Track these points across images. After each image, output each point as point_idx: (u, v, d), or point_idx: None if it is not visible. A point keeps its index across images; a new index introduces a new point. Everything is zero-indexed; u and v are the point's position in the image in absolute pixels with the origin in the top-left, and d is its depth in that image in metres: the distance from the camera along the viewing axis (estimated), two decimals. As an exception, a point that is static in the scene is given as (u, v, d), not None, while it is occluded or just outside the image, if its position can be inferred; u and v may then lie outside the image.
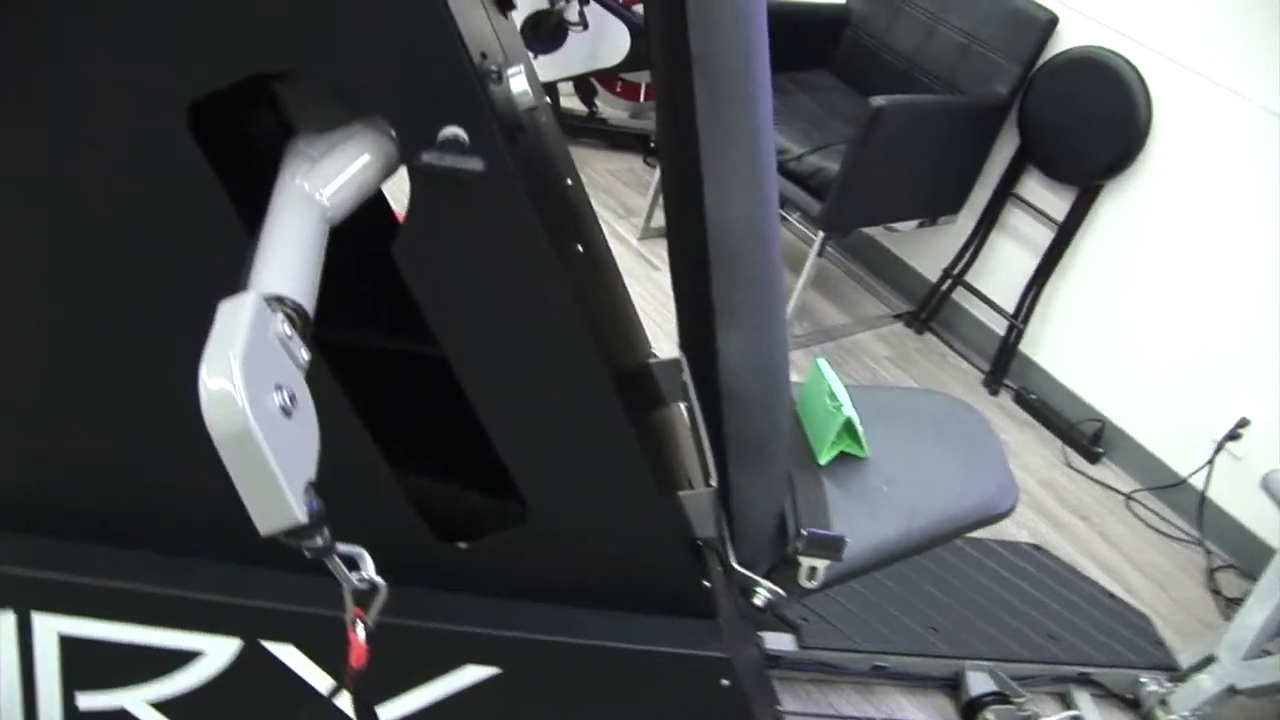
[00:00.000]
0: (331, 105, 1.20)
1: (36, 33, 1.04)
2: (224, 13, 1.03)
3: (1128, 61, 3.01)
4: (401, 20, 1.03)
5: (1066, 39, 3.14)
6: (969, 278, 3.47)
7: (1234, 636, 2.23)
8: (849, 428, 1.64)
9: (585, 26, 3.49)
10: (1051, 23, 3.14)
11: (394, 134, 1.13)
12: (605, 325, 1.41)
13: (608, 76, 3.83)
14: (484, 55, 1.14)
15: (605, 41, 3.59)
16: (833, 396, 1.65)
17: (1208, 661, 2.24)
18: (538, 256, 1.15)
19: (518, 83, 1.14)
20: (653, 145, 3.92)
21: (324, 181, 1.10)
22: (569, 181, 1.55)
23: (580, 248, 1.36)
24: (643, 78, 3.84)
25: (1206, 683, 2.22)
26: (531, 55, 3.32)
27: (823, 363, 1.71)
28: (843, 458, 1.67)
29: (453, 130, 1.07)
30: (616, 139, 3.98)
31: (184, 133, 1.08)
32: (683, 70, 1.14)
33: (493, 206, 1.12)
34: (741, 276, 1.23)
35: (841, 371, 3.01)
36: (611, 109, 4.05)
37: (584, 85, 3.88)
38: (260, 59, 1.08)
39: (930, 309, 3.54)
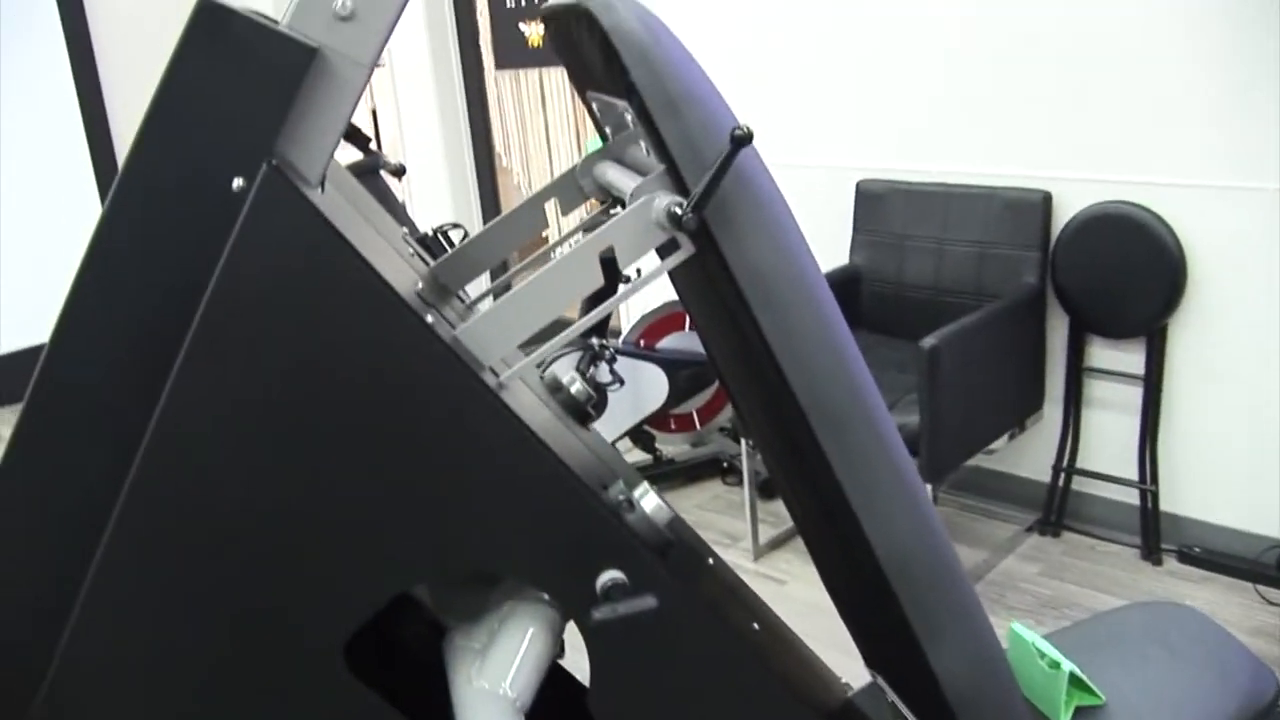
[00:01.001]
0: (473, 591, 1.20)
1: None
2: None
3: (1132, 204, 3.07)
4: (526, 491, 1.04)
5: (1067, 207, 3.20)
6: (1080, 463, 3.40)
7: None
8: (1075, 681, 1.56)
9: (621, 383, 3.56)
10: (1047, 199, 3.21)
11: (550, 598, 1.12)
12: (801, 680, 1.36)
13: (658, 419, 3.88)
14: (605, 486, 1.14)
15: (643, 388, 3.66)
16: (1043, 655, 1.58)
17: None
18: (735, 658, 1.12)
19: (649, 501, 1.14)
20: (726, 465, 3.94)
21: (501, 674, 1.09)
22: (710, 561, 1.54)
23: (755, 625, 1.32)
24: (691, 406, 3.90)
25: None
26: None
27: (1017, 626, 1.64)
28: (1080, 711, 1.58)
29: (610, 575, 1.06)
30: (690, 473, 4.00)
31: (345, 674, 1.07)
32: (796, 421, 1.14)
33: (677, 630, 1.09)
34: (933, 595, 1.19)
35: (1005, 609, 2.92)
36: (673, 446, 4.09)
37: (640, 436, 3.92)
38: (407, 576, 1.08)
39: (1057, 509, 3.45)
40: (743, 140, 1.03)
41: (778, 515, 3.53)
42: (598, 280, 1.09)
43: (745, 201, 1.09)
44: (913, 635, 1.21)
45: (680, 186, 1.09)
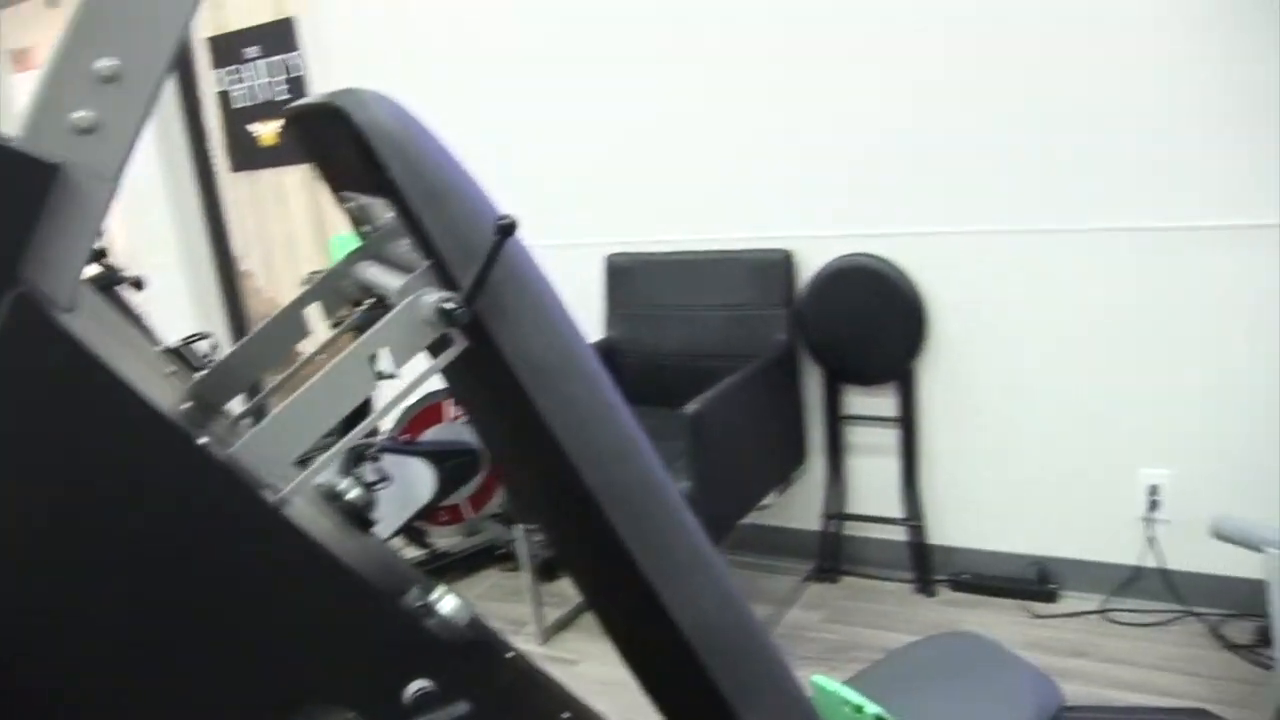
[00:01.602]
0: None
1: None
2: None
3: (869, 256, 3.24)
4: (321, 609, 1.00)
5: (809, 264, 3.34)
6: (849, 508, 3.52)
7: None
8: (881, 722, 1.60)
9: (389, 480, 3.49)
10: (788, 257, 3.33)
11: (358, 717, 1.08)
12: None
13: (429, 513, 3.81)
14: (401, 593, 1.11)
15: (411, 484, 3.59)
16: (847, 702, 1.61)
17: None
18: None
19: (447, 603, 1.11)
20: (501, 552, 3.90)
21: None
22: (510, 655, 1.51)
23: (566, 714, 1.30)
24: (460, 496, 3.84)
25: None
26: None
27: (818, 679, 1.67)
28: (887, 754, 1.61)
29: (418, 686, 1.03)
30: (466, 564, 3.95)
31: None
32: (586, 504, 1.14)
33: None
34: (744, 664, 1.20)
35: (797, 660, 2.97)
36: (445, 539, 4.03)
37: (411, 532, 3.85)
38: None
39: (832, 555, 3.55)
40: (509, 229, 1.03)
41: (560, 596, 3.51)
42: (371, 385, 1.06)
43: (515, 290, 1.09)
44: (726, 706, 1.21)
45: (447, 281, 1.07)
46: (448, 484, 3.66)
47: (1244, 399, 2.93)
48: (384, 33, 3.91)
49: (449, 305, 1.03)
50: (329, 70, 4.20)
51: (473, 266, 1.04)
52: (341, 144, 1.11)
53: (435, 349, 1.18)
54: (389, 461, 3.56)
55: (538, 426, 1.13)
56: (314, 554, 0.99)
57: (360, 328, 1.22)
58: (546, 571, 3.55)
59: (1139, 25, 2.81)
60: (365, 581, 1.02)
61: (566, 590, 3.52)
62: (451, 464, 3.65)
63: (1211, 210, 2.84)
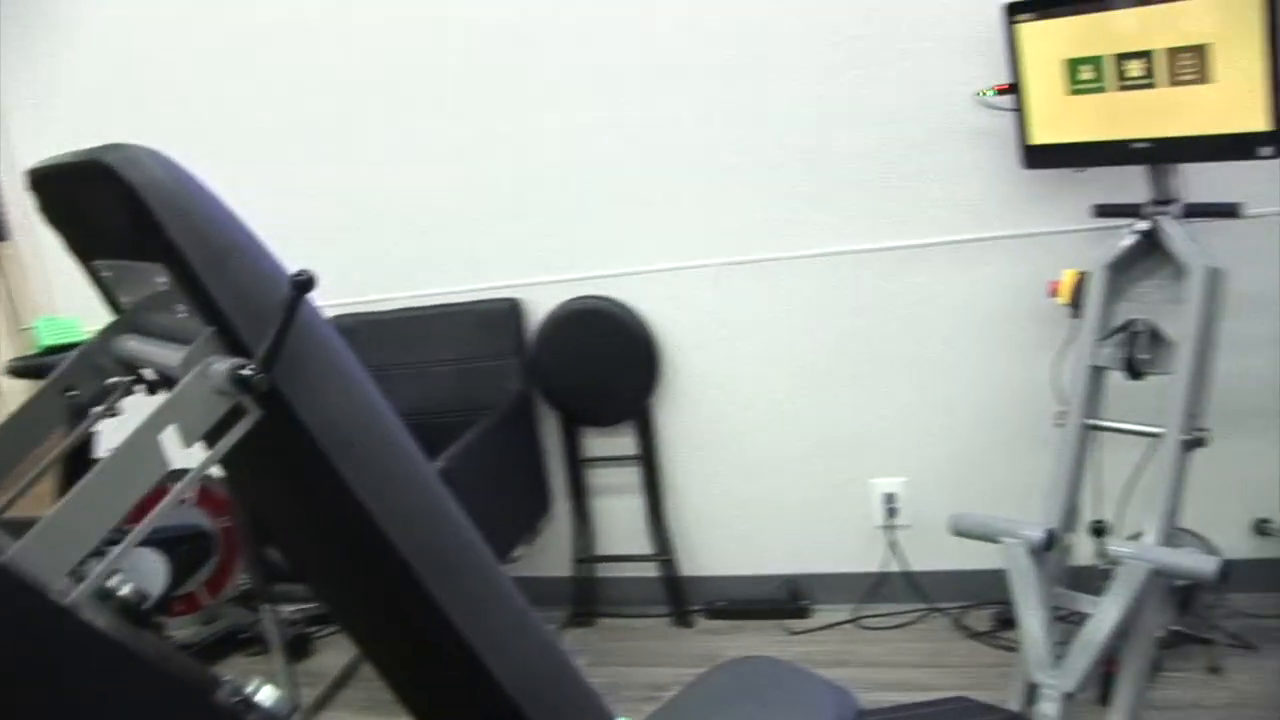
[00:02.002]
0: None
1: None
2: None
3: (598, 297, 3.27)
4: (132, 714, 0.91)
5: (537, 310, 3.34)
6: (599, 550, 3.52)
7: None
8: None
9: (117, 573, 3.24)
10: (515, 305, 3.32)
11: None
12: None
13: (164, 605, 3.56)
14: (214, 688, 1.02)
15: (142, 576, 3.34)
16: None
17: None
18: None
19: (266, 694, 1.03)
20: (245, 636, 3.69)
21: None
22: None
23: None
24: (195, 583, 3.61)
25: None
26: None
27: (624, 720, 1.65)
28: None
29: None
30: (208, 654, 3.70)
31: None
32: (396, 572, 1.09)
33: None
34: (570, 712, 1.17)
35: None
36: (183, 630, 3.78)
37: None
38: None
39: (585, 599, 3.54)
40: (306, 285, 0.97)
41: (314, 675, 3.35)
42: (163, 467, 0.98)
43: (312, 352, 1.03)
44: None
45: (235, 347, 1.00)
46: (182, 571, 3.43)
47: (967, 404, 3.12)
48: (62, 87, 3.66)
49: (246, 372, 0.96)
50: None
51: (264, 329, 0.97)
52: (102, 205, 1.02)
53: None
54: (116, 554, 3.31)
55: (341, 495, 1.07)
56: (121, 657, 0.90)
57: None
58: (297, 651, 3.38)
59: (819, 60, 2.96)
60: (178, 680, 0.94)
61: (321, 667, 3.37)
62: (184, 549, 3.43)
63: (931, 228, 3.01)
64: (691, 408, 3.33)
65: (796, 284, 3.15)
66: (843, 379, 3.19)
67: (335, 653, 3.44)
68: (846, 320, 3.14)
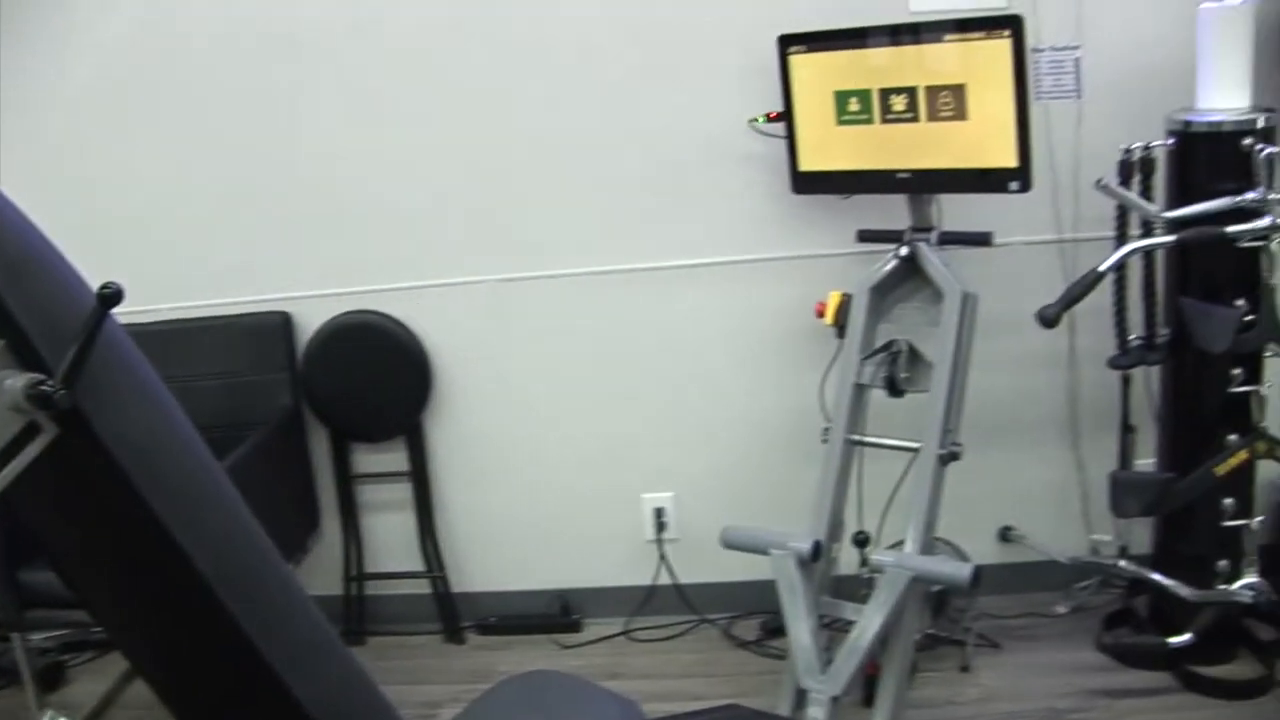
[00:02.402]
0: None
1: None
2: None
3: (370, 311, 3.24)
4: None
5: (309, 324, 3.27)
6: (369, 568, 3.46)
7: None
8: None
9: None
10: (287, 320, 3.24)
11: None
12: None
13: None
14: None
15: None
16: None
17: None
18: None
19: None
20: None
21: None
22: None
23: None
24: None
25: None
26: None
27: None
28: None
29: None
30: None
31: None
32: (195, 594, 1.06)
33: None
34: None
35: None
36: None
37: None
38: None
39: (356, 618, 3.47)
40: (112, 299, 0.94)
41: (69, 705, 3.16)
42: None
43: (115, 368, 1.00)
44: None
45: (29, 363, 0.96)
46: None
47: (737, 420, 3.22)
48: None
49: (46, 388, 0.92)
50: None
51: (63, 343, 0.94)
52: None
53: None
54: None
55: (142, 516, 1.04)
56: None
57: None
58: (50, 681, 3.20)
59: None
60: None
61: (75, 697, 3.20)
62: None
63: (704, 249, 3.10)
64: (464, 424, 3.33)
65: (571, 301, 3.19)
66: (615, 395, 3.25)
67: (92, 681, 3.26)
68: (619, 338, 3.20)
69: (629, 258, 3.13)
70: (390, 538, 3.44)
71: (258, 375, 3.25)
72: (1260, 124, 2.49)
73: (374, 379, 3.27)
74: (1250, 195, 2.47)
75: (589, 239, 3.14)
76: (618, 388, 3.24)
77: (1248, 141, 2.48)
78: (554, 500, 3.35)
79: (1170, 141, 2.63)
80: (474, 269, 3.19)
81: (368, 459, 3.40)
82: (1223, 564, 2.72)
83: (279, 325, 3.25)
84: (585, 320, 3.20)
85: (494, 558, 3.44)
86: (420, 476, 3.36)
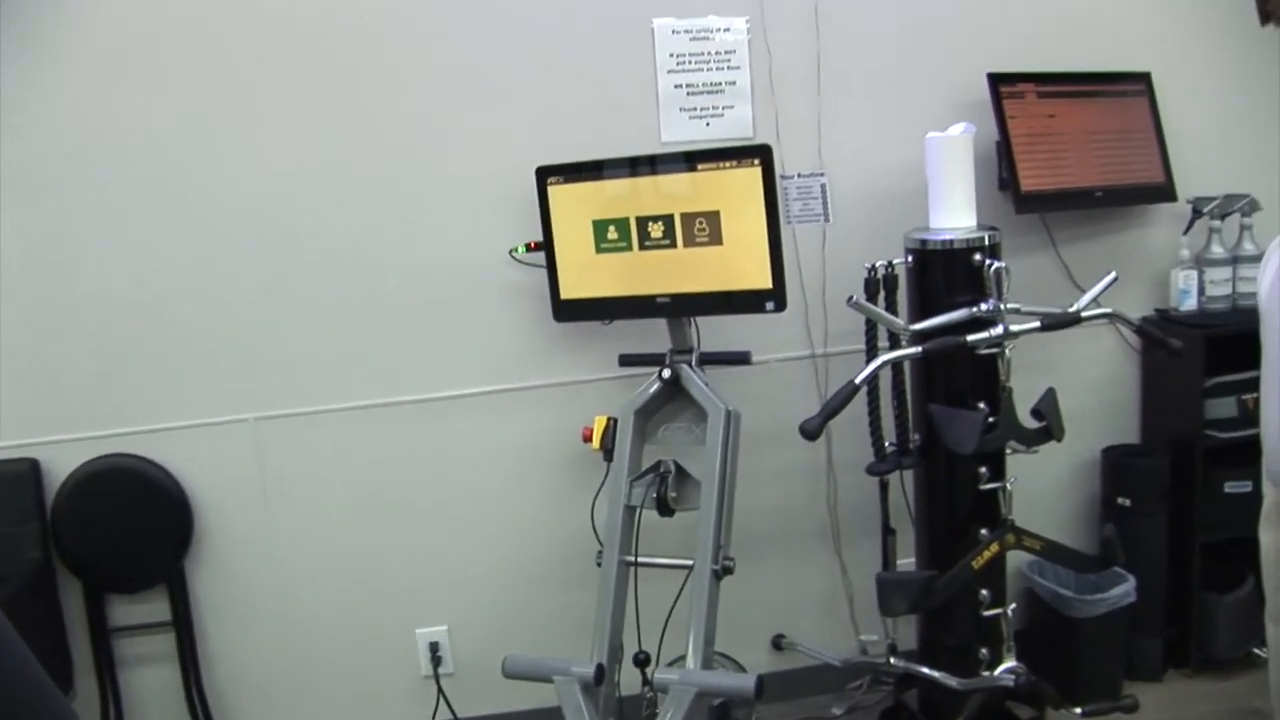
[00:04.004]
0: None
1: None
2: None
3: (126, 455, 3.12)
4: None
5: (60, 470, 3.12)
6: (127, 728, 3.29)
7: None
8: None
9: None
10: (35, 466, 3.08)
11: None
12: None
13: None
14: None
15: None
16: None
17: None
18: None
19: None
20: None
21: None
22: None
23: None
24: None
25: None
26: None
27: None
28: None
29: None
30: None
31: None
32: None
33: None
34: None
35: None
36: None
37: None
38: None
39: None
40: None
41: None
42: None
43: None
44: None
45: None
46: None
47: (510, 549, 3.23)
48: None
49: None
50: None
51: None
52: None
53: None
54: None
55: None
56: None
57: None
58: None
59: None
60: None
61: None
62: None
63: (471, 378, 3.13)
64: (229, 569, 3.21)
65: (338, 437, 3.15)
66: (385, 530, 3.21)
67: None
68: (386, 472, 3.18)
69: (394, 391, 3.13)
70: (152, 694, 3.27)
71: (5, 528, 3.08)
72: (987, 241, 2.73)
73: (130, 526, 3.13)
74: (984, 306, 2.69)
75: (353, 373, 3.12)
76: (386, 522, 3.20)
77: (978, 257, 2.71)
78: (327, 643, 3.26)
79: (909, 259, 2.82)
80: (234, 407, 3.11)
81: (126, 610, 3.23)
82: (984, 652, 2.88)
83: (27, 473, 3.09)
84: (351, 456, 3.16)
85: (267, 709, 3.31)
86: (184, 627, 3.22)
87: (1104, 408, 3.42)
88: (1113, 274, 2.82)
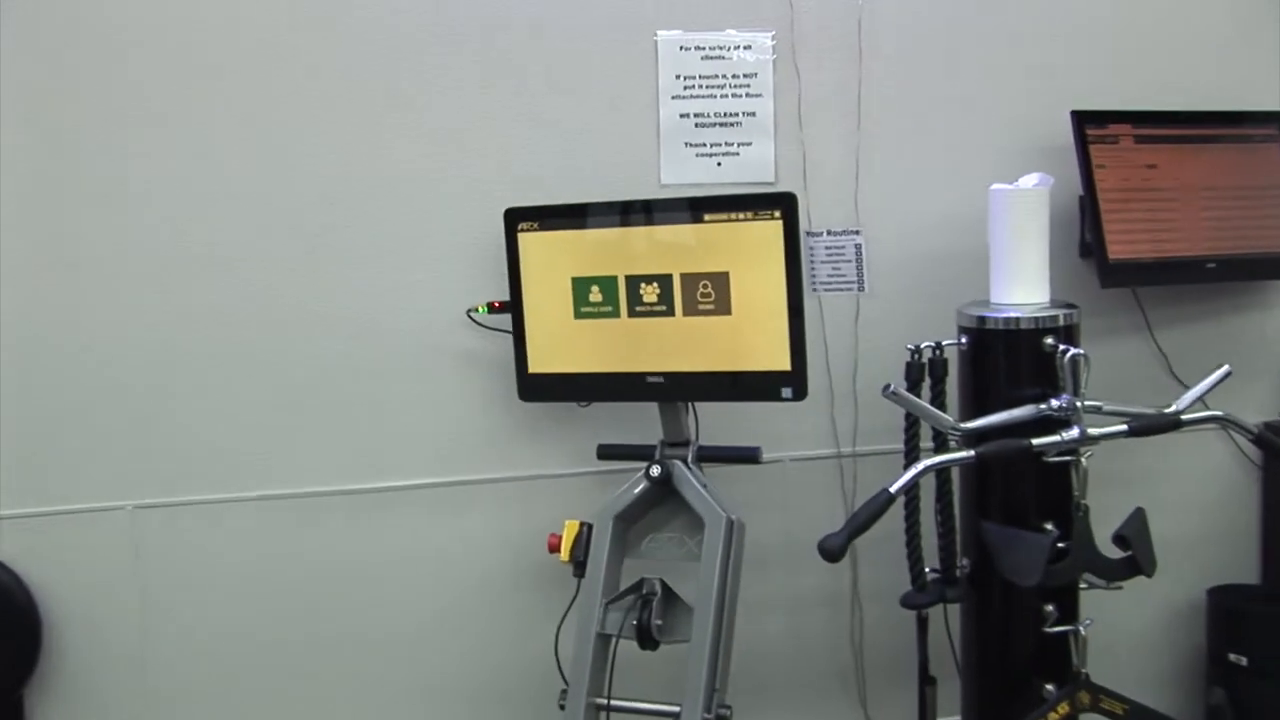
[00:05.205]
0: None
1: None
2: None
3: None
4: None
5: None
6: None
7: None
8: None
9: None
10: None
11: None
12: None
13: None
14: None
15: None
16: None
17: None
18: None
19: None
20: None
21: None
22: None
23: None
24: None
25: None
26: None
27: None
28: None
29: None
30: None
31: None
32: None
33: None
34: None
35: None
36: None
37: None
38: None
39: None
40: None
41: None
42: None
43: None
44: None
45: None
46: None
47: (455, 684, 2.89)
48: None
49: None
50: None
51: None
52: None
53: None
54: None
55: None
56: None
57: None
58: None
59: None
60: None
61: None
62: None
63: (412, 468, 2.81)
64: (87, 701, 2.78)
65: (242, 534, 2.76)
66: (297, 659, 2.81)
67: None
68: (305, 582, 2.80)
69: (318, 478, 2.77)
70: None
71: None
72: (1062, 321, 2.43)
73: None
74: (1056, 402, 2.37)
75: (267, 454, 2.75)
76: (298, 648, 2.80)
77: (1050, 341, 2.41)
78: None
79: (962, 340, 2.53)
80: (107, 490, 2.71)
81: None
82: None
83: None
84: (257, 560, 2.77)
85: None
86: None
87: (1211, 536, 3.15)
88: (1225, 367, 2.51)
